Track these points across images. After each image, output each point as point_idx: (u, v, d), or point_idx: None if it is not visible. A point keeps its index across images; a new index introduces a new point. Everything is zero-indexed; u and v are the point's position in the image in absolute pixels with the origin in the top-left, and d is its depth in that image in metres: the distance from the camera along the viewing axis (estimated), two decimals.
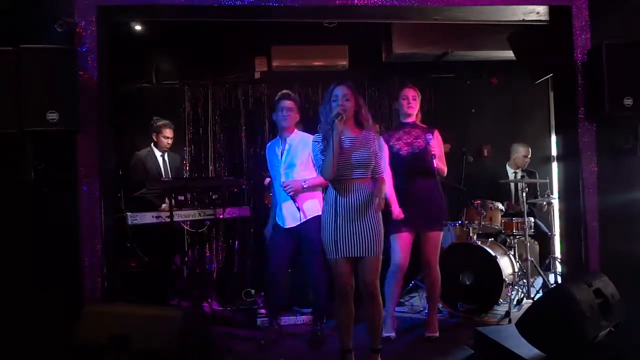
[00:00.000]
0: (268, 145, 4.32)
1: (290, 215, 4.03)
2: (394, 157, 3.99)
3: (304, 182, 3.94)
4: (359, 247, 3.18)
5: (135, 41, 5.30)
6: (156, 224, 4.63)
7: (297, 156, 4.01)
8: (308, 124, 4.48)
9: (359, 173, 3.22)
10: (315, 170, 3.57)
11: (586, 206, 3.78)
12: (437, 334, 4.09)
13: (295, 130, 4.14)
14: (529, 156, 5.85)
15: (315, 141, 3.32)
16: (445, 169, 4.15)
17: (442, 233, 4.18)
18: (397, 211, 3.93)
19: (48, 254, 3.36)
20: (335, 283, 3.27)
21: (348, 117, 3.24)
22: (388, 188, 3.71)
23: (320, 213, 3.96)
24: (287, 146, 4.06)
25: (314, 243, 3.89)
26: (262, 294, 5.02)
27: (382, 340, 3.46)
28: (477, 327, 3.85)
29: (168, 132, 5.29)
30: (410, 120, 4.09)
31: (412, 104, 4.05)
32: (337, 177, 3.20)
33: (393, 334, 4.04)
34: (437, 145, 4.07)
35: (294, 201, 3.94)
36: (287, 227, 4.06)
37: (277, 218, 4.14)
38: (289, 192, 3.92)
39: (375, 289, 3.26)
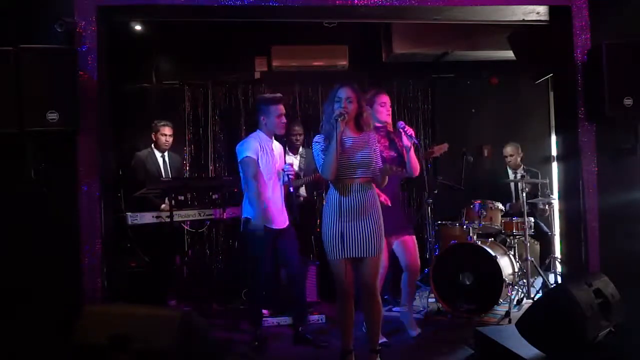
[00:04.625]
0: (250, 139, 3.99)
1: (281, 217, 4.01)
2: None
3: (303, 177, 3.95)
4: (360, 247, 3.18)
5: (135, 41, 5.30)
6: (156, 224, 4.63)
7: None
8: (308, 124, 4.52)
9: (360, 172, 3.22)
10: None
11: (586, 206, 3.78)
12: (419, 330, 4.14)
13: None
14: (512, 155, 5.83)
15: (316, 141, 3.32)
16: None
17: (414, 237, 4.12)
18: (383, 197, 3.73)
19: (48, 254, 3.36)
20: (336, 284, 3.26)
21: (349, 118, 3.24)
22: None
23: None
24: (279, 150, 4.09)
25: (295, 243, 3.98)
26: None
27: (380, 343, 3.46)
28: (477, 327, 3.85)
29: (166, 130, 5.27)
30: (382, 125, 4.00)
31: (389, 110, 4.02)
32: (338, 176, 3.20)
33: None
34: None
35: (293, 191, 3.90)
36: (275, 228, 3.98)
37: (262, 219, 3.92)
38: (289, 174, 3.89)
39: (375, 289, 3.26)
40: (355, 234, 3.18)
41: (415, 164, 3.90)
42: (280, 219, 4.02)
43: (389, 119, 4.03)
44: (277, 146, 4.14)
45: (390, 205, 3.67)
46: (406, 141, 3.85)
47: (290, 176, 3.91)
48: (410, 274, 4.13)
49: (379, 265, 3.29)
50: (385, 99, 4.00)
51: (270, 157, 3.99)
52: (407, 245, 4.06)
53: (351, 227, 3.18)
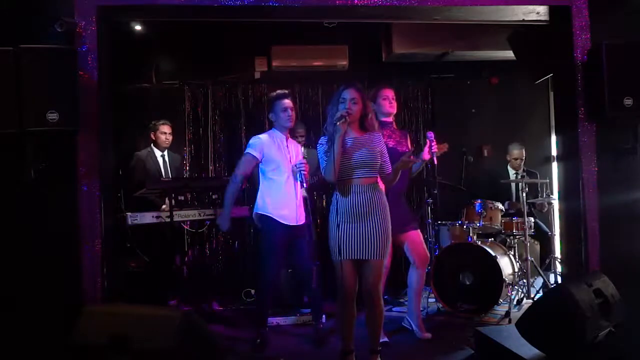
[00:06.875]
0: (261, 135, 4.11)
1: (295, 214, 4.01)
2: None
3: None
4: (363, 249, 3.16)
5: (135, 41, 5.30)
6: (156, 224, 4.62)
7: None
8: (308, 124, 4.52)
9: (361, 173, 3.20)
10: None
11: (586, 206, 3.78)
12: (429, 335, 4.10)
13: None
14: (521, 158, 5.79)
15: (320, 143, 3.32)
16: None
17: (418, 231, 4.14)
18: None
19: (48, 254, 3.36)
20: (338, 285, 3.24)
21: (354, 120, 3.24)
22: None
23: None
24: (293, 151, 4.08)
25: (309, 242, 3.96)
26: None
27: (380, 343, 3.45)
28: (477, 327, 3.85)
29: (165, 128, 5.29)
30: (389, 119, 4.07)
31: (393, 103, 4.06)
32: (340, 177, 3.19)
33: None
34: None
35: (303, 185, 3.88)
36: (290, 225, 4.01)
37: (277, 217, 4.03)
38: (301, 170, 3.85)
39: (377, 291, 3.25)
40: (358, 235, 3.16)
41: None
42: (294, 216, 4.01)
43: (393, 110, 4.07)
44: (294, 144, 4.19)
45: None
46: (426, 154, 3.95)
47: (303, 172, 3.87)
48: (419, 269, 4.10)
49: (382, 268, 3.28)
50: (387, 92, 4.07)
51: (284, 153, 4.04)
52: (413, 239, 4.05)
53: (354, 228, 3.17)
